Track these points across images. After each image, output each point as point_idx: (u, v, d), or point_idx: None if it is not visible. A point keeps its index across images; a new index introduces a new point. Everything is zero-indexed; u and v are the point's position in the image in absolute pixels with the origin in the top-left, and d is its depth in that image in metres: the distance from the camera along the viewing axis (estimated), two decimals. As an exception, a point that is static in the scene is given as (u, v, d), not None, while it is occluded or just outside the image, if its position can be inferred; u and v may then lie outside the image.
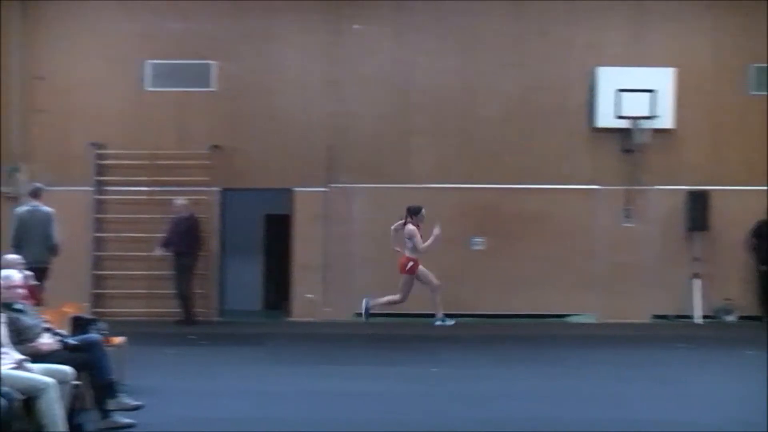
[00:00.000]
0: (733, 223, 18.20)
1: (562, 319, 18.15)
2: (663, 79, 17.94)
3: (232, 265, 18.70)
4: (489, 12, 18.34)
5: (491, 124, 18.26)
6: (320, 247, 18.12)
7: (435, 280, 15.03)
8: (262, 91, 18.23)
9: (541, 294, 17.85)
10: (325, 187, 18.15)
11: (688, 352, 14.88)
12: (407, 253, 14.90)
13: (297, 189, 18.19)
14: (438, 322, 15.29)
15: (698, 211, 18.13)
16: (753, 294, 18.27)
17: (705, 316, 18.15)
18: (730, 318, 18.23)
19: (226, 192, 18.23)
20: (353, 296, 17.96)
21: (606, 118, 17.95)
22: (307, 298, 18.06)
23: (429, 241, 14.76)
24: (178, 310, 17.17)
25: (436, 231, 14.72)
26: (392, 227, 15.04)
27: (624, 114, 17.83)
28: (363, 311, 15.30)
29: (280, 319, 18.22)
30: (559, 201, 18.20)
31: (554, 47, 18.32)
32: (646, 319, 18.09)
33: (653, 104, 17.79)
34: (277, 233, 18.90)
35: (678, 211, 18.29)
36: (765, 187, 18.11)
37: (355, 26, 18.29)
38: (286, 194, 18.33)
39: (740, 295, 18.28)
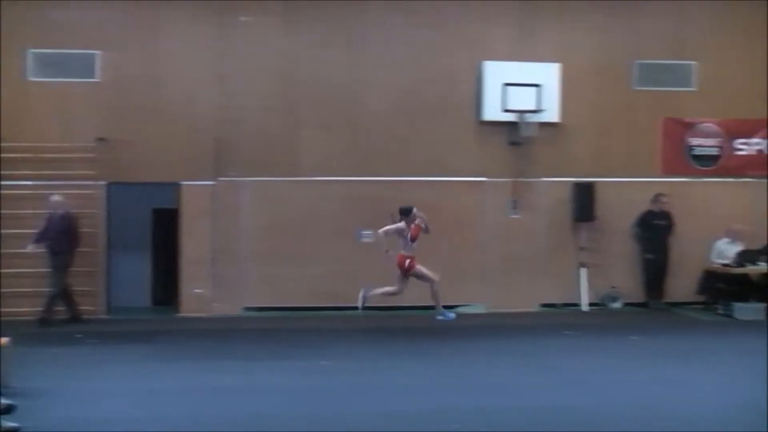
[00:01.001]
0: (618, 214, 18.59)
1: (451, 310, 18.27)
2: (549, 74, 18.16)
3: (119, 261, 18.37)
4: (377, 5, 18.33)
5: (379, 117, 18.28)
6: (208, 242, 17.93)
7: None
8: (148, 82, 17.91)
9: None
10: (212, 180, 17.96)
11: (574, 339, 15.18)
12: (403, 252, 14.92)
13: (184, 183, 17.93)
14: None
15: (584, 202, 18.46)
16: (637, 281, 18.71)
17: (591, 304, 18.49)
18: (616, 305, 18.62)
19: (112, 186, 17.86)
20: (242, 290, 17.91)
21: (493, 111, 18.10)
22: (196, 294, 17.85)
23: (381, 234, 14.76)
24: (63, 308, 16.81)
25: (390, 253, 14.75)
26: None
27: (510, 107, 18.00)
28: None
29: (169, 315, 17.97)
30: (448, 193, 18.30)
31: (442, 41, 18.42)
32: (535, 308, 18.36)
33: (539, 98, 18.00)
34: (165, 228, 18.61)
35: (564, 202, 18.59)
36: (648, 179, 18.62)
37: (243, 18, 18.11)
38: (173, 188, 18.07)
39: (625, 283, 18.69)
